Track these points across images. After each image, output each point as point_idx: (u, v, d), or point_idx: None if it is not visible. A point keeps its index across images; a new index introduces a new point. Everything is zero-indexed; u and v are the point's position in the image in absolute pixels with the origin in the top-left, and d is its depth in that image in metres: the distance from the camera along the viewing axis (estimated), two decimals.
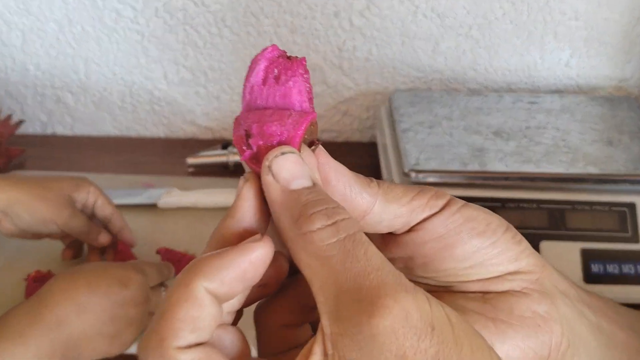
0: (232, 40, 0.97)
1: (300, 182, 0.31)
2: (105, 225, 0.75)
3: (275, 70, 0.35)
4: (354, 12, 0.94)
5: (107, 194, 0.86)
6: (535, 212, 0.76)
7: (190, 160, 0.95)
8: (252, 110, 0.35)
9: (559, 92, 1.00)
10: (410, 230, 0.35)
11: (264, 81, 0.35)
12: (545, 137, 0.84)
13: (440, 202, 0.35)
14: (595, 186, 0.77)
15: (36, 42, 0.97)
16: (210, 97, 1.01)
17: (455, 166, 0.77)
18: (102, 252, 0.77)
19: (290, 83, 0.34)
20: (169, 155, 0.99)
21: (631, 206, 0.76)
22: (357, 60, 0.98)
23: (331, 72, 0.99)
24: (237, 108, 1.02)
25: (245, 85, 0.36)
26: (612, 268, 0.75)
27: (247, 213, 0.32)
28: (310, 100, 0.35)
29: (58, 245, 0.78)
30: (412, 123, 0.87)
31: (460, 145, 0.81)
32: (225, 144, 0.97)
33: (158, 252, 0.77)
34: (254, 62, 0.36)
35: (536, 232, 0.75)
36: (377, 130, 0.98)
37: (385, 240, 0.37)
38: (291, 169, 0.31)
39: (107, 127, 1.04)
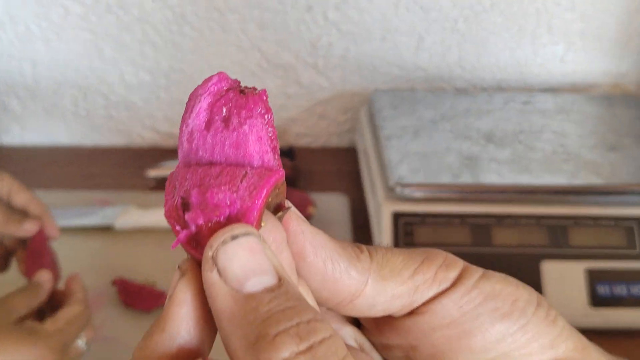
0: (194, 38, 0.87)
1: (259, 281, 0.22)
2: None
3: (224, 110, 0.26)
4: (329, 6, 0.85)
5: (57, 214, 0.77)
6: (535, 229, 0.68)
7: (151, 173, 0.86)
8: (192, 166, 0.26)
9: (552, 89, 0.92)
10: (414, 312, 0.27)
11: (208, 125, 0.26)
12: (542, 142, 0.76)
13: (452, 275, 0.27)
14: (600, 198, 0.69)
15: None
16: (172, 101, 0.92)
17: (445, 178, 0.69)
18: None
19: (246, 127, 0.26)
20: (127, 166, 0.90)
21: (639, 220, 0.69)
22: (333, 58, 0.89)
23: (305, 71, 0.90)
24: None
25: (181, 129, 0.27)
26: (620, 289, 0.67)
27: (183, 324, 0.22)
28: (275, 149, 0.26)
29: None
30: (395, 128, 0.78)
31: (449, 153, 0.73)
32: None
33: (114, 283, 0.68)
34: (193, 97, 0.27)
35: (536, 251, 0.68)
36: (357, 135, 0.90)
37: (379, 324, 0.28)
38: (246, 261, 0.22)
39: (59, 135, 0.94)
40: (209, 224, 0.24)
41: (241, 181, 0.24)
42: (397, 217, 0.67)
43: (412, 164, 0.71)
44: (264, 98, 0.26)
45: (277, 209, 0.26)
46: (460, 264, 0.28)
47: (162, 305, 0.66)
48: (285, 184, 0.26)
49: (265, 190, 0.24)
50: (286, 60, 0.89)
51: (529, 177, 0.70)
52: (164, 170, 0.86)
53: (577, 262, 0.67)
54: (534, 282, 0.66)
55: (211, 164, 0.26)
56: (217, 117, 0.26)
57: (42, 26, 0.86)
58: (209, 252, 0.22)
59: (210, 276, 0.22)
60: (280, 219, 0.25)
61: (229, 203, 0.24)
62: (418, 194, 0.68)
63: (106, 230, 0.76)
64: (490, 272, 0.28)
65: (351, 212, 0.82)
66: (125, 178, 0.87)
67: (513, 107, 0.84)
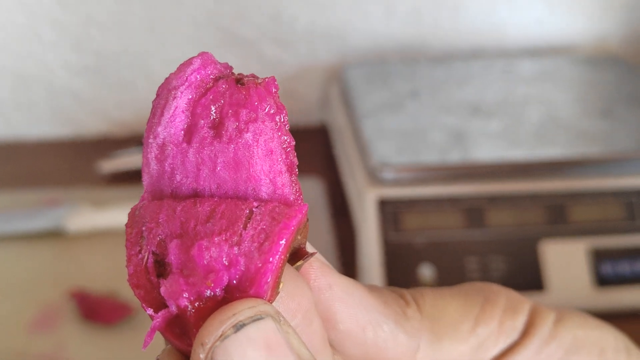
0: (146, 16, 0.79)
1: None
2: None
3: (213, 110, 0.18)
4: None
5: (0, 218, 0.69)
6: (531, 206, 0.63)
7: (104, 166, 0.77)
8: (166, 199, 0.17)
9: (531, 53, 0.87)
10: None
11: (189, 134, 0.18)
12: (530, 112, 0.70)
13: (520, 322, 0.21)
14: (598, 169, 0.64)
15: None
16: (122, 85, 0.84)
17: (432, 157, 0.63)
18: None
19: (248, 136, 0.17)
20: (75, 159, 0.82)
21: None
22: (297, 31, 0.82)
23: (267, 46, 0.82)
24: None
25: (146, 142, 0.18)
26: (623, 268, 0.63)
27: None
28: (291, 168, 0.18)
29: None
30: (371, 105, 0.72)
31: (433, 129, 0.67)
32: None
33: (73, 297, 0.60)
34: (164, 92, 0.18)
35: (534, 229, 0.62)
36: (329, 113, 0.83)
37: None
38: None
39: None
40: (198, 303, 0.15)
41: (245, 227, 0.16)
42: (382, 204, 0.61)
43: (393, 143, 0.65)
44: (273, 91, 0.18)
45: (296, 256, 0.18)
46: (526, 305, 0.22)
47: (126, 317, 0.58)
48: (308, 221, 0.17)
49: (284, 242, 0.16)
50: (245, 35, 0.82)
51: (521, 151, 0.64)
52: (119, 161, 0.78)
53: (577, 240, 0.62)
54: (533, 263, 0.61)
55: (195, 195, 0.17)
56: (202, 122, 0.18)
57: None
58: (199, 354, 0.14)
59: None
60: (298, 268, 0.17)
61: (227, 264, 0.16)
62: (403, 175, 0.62)
63: (56, 234, 0.68)
64: (566, 313, 0.22)
65: (327, 197, 0.75)
66: (74, 173, 0.79)
67: (494, 76, 0.79)
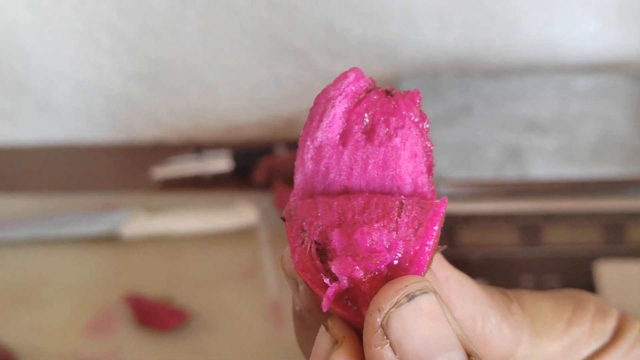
0: (200, 25, 0.80)
1: (448, 358, 0.16)
2: None
3: (366, 117, 0.20)
4: None
5: (56, 221, 0.70)
6: (588, 225, 0.62)
7: (158, 172, 0.79)
8: (319, 196, 0.20)
9: (586, 69, 0.86)
10: None
11: (344, 138, 0.20)
12: (586, 129, 0.70)
13: (609, 326, 0.23)
14: None
15: None
16: (176, 92, 0.85)
17: (487, 173, 0.63)
18: None
19: (397, 141, 0.20)
20: (130, 165, 0.83)
21: None
22: (350, 43, 0.82)
23: (319, 57, 0.83)
24: (210, 104, 0.86)
25: (302, 144, 0.21)
26: None
27: None
28: (430, 169, 0.21)
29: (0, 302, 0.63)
30: None
31: (489, 145, 0.67)
32: (199, 150, 0.81)
33: (127, 301, 0.61)
34: (322, 100, 0.21)
35: (590, 249, 0.62)
36: None
37: None
38: (429, 333, 0.16)
39: (55, 133, 0.87)
40: (368, 276, 0.17)
41: (399, 215, 0.18)
42: None
43: (447, 158, 0.65)
44: (417, 101, 0.21)
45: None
46: (614, 311, 0.24)
47: (181, 323, 0.59)
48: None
49: (436, 228, 0.18)
50: (300, 46, 0.82)
51: (577, 168, 0.64)
52: (172, 169, 0.79)
53: (635, 261, 0.61)
54: (589, 283, 0.60)
55: (346, 191, 0.20)
56: (356, 127, 0.20)
57: (34, 15, 0.78)
58: (376, 318, 0.16)
59: (381, 354, 0.16)
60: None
61: (387, 246, 0.18)
62: (458, 190, 0.62)
63: (112, 239, 0.69)
64: None
65: None
66: (128, 178, 0.80)
67: (549, 91, 0.78)
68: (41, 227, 0.70)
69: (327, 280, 0.18)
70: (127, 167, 0.83)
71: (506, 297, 0.22)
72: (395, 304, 0.17)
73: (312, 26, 0.81)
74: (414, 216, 0.19)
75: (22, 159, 0.84)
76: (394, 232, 0.18)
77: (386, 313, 0.16)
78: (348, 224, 0.18)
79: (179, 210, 0.71)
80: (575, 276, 0.61)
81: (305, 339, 0.21)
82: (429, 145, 0.21)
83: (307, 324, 0.21)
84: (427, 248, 0.18)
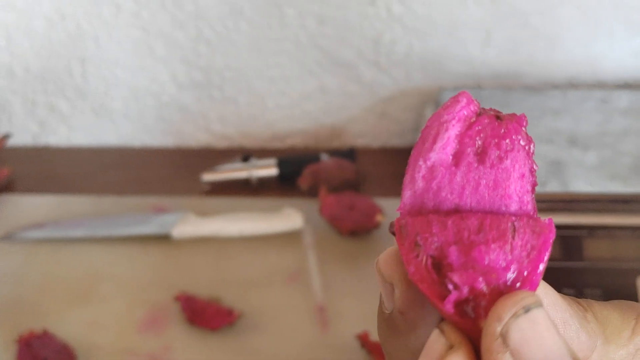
0: (251, 35, 0.83)
1: None
2: None
3: (478, 140, 0.22)
4: (393, 0, 0.80)
5: (112, 221, 0.74)
6: (631, 240, 0.63)
7: (207, 177, 0.81)
8: (430, 213, 0.22)
9: (627, 86, 0.86)
10: None
11: (457, 159, 0.22)
12: (628, 145, 0.71)
13: None
14: None
15: (24, 42, 0.84)
16: (226, 101, 0.88)
17: None
18: None
19: (507, 163, 0.22)
20: (180, 168, 0.86)
21: None
22: (396, 55, 0.85)
23: (366, 69, 0.85)
24: (257, 112, 0.88)
25: (415, 166, 0.23)
26: None
27: None
28: (534, 188, 0.23)
29: (57, 295, 0.66)
30: None
31: None
32: (246, 157, 0.83)
33: (177, 299, 0.64)
34: (435, 123, 0.23)
35: (633, 264, 0.63)
36: None
37: None
38: (544, 343, 0.18)
39: (109, 137, 0.90)
40: (489, 288, 0.20)
41: (513, 237, 0.20)
42: None
43: None
44: (524, 125, 0.23)
45: None
46: None
47: (229, 323, 0.62)
48: None
49: (547, 253, 0.20)
50: (347, 58, 0.85)
51: (620, 183, 0.65)
52: (220, 174, 0.82)
53: None
54: (631, 298, 0.61)
55: (456, 209, 0.22)
56: (469, 150, 0.22)
57: (93, 24, 0.82)
58: (496, 327, 0.18)
59: None
60: None
61: (503, 265, 0.20)
62: None
63: (163, 239, 0.72)
64: None
65: None
66: (178, 182, 0.83)
67: (591, 106, 0.79)
68: (97, 227, 0.73)
69: (450, 286, 0.20)
70: (176, 170, 0.86)
71: (580, 306, 0.24)
72: (514, 314, 0.18)
73: (360, 38, 0.83)
74: (527, 239, 0.20)
75: (79, 161, 0.88)
76: (509, 254, 0.20)
77: (506, 323, 0.18)
78: (464, 243, 0.20)
79: (227, 214, 0.74)
80: (617, 291, 0.62)
81: (394, 340, 0.23)
82: (534, 166, 0.23)
83: (397, 326, 0.22)
84: (539, 270, 0.20)
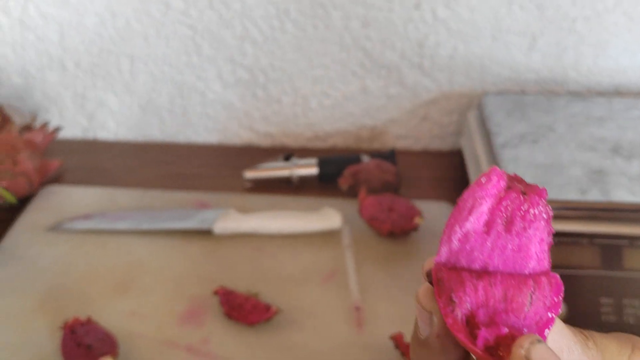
0: (296, 36, 0.84)
1: None
2: None
3: (506, 212, 0.27)
4: (438, 3, 0.81)
5: (156, 215, 0.76)
6: None
7: (249, 174, 0.83)
8: (464, 270, 0.27)
9: None
10: None
11: (488, 228, 0.27)
12: None
13: None
14: None
15: (75, 38, 0.86)
16: (270, 100, 0.89)
17: (572, 194, 0.64)
18: None
19: (530, 232, 0.26)
20: (223, 165, 0.88)
21: None
22: (440, 59, 0.85)
23: (409, 71, 0.86)
24: (300, 112, 0.90)
25: (451, 227, 0.27)
26: None
27: None
28: (550, 247, 0.27)
29: (101, 284, 0.68)
30: (510, 135, 0.74)
31: (574, 166, 0.68)
32: (288, 156, 0.85)
33: (216, 293, 0.65)
34: (471, 198, 0.27)
35: None
36: (464, 139, 0.85)
37: None
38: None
39: (154, 132, 0.93)
40: (509, 336, 0.25)
41: (528, 309, 0.25)
42: None
43: (530, 176, 0.66)
44: (545, 197, 0.27)
45: None
46: None
47: (267, 319, 0.63)
48: None
49: (550, 326, 0.25)
50: (390, 60, 0.85)
51: None
52: (262, 172, 0.83)
53: None
54: None
55: (485, 267, 0.26)
56: (498, 220, 0.27)
57: (143, 22, 0.84)
58: (521, 352, 0.24)
59: None
60: None
61: (518, 326, 0.25)
62: None
63: (205, 234, 0.74)
64: None
65: None
66: (221, 178, 0.85)
67: (636, 115, 0.78)
68: (141, 220, 0.75)
69: (482, 333, 0.25)
70: (219, 167, 0.88)
71: (583, 335, 0.28)
72: (531, 342, 0.24)
73: (404, 41, 0.84)
74: (538, 311, 0.25)
75: (125, 155, 0.90)
76: (522, 321, 0.25)
77: (527, 348, 0.24)
78: (490, 307, 0.26)
79: (268, 211, 0.75)
80: None
81: None
82: (551, 230, 0.27)
83: (432, 349, 0.27)
84: (542, 336, 0.25)
